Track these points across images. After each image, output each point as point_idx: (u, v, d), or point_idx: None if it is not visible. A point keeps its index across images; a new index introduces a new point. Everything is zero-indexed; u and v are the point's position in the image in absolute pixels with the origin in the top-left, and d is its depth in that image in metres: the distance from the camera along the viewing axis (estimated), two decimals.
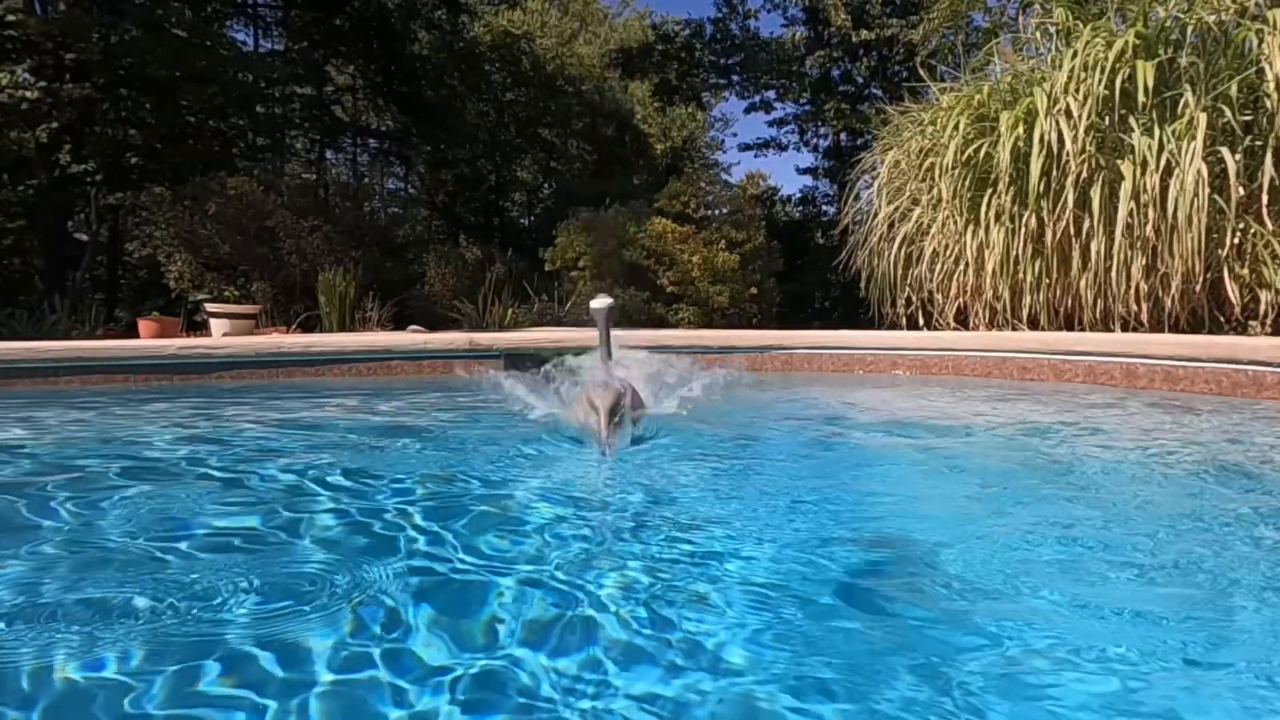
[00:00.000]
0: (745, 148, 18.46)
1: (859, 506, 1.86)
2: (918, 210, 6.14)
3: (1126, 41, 4.85)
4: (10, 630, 1.10)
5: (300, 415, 3.27)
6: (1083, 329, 5.04)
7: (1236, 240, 4.59)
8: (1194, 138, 4.42)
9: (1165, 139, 4.61)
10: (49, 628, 1.10)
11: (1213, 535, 1.57)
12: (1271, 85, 4.37)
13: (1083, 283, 5.00)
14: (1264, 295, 4.46)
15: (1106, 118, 4.98)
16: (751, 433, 2.90)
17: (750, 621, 1.12)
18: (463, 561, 1.38)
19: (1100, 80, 4.85)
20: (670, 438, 2.44)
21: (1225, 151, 4.41)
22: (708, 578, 1.31)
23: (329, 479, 1.99)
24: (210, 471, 2.13)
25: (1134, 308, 4.80)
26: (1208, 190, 4.37)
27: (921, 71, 6.86)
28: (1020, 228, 5.25)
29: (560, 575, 1.30)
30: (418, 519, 1.64)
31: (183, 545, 1.48)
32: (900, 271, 6.20)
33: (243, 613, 1.14)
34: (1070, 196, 4.92)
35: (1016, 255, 5.30)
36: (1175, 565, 1.39)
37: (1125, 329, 4.85)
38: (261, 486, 1.97)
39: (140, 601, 1.18)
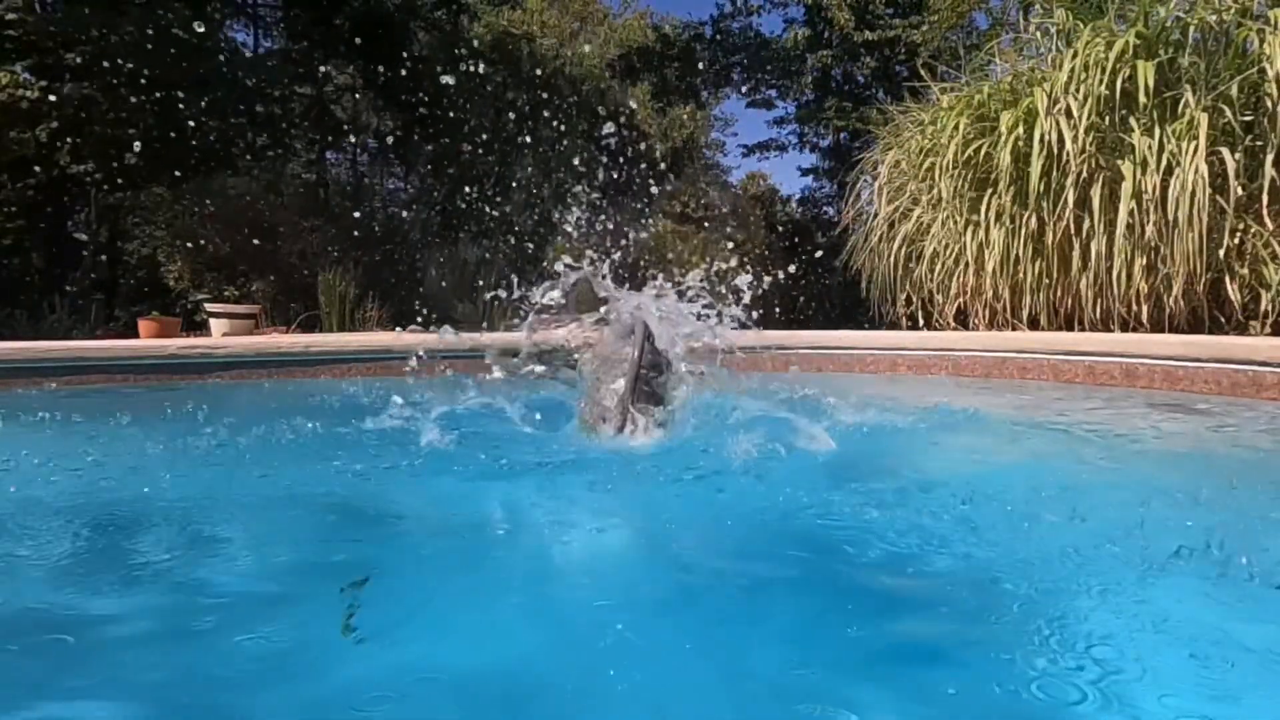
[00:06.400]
0: (747, 151, 18.38)
1: None
2: (918, 210, 6.14)
3: (1127, 41, 4.85)
4: None
5: None
6: (1083, 329, 5.03)
7: (1236, 240, 4.59)
8: (1195, 138, 4.42)
9: (1166, 139, 4.60)
10: None
11: None
12: (1272, 85, 4.36)
13: (1083, 283, 5.00)
14: (1264, 295, 4.46)
15: (1107, 118, 4.98)
16: None
17: None
18: None
19: (1101, 80, 4.85)
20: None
21: (1225, 152, 4.41)
22: None
23: None
24: None
25: (1134, 308, 4.79)
26: (1208, 190, 4.37)
27: (923, 72, 6.86)
28: (1020, 228, 5.24)
29: None
30: None
31: None
32: (900, 271, 6.19)
33: None
34: (1070, 196, 4.92)
35: (1016, 255, 5.29)
36: None
37: (1125, 329, 4.85)
38: None
39: None
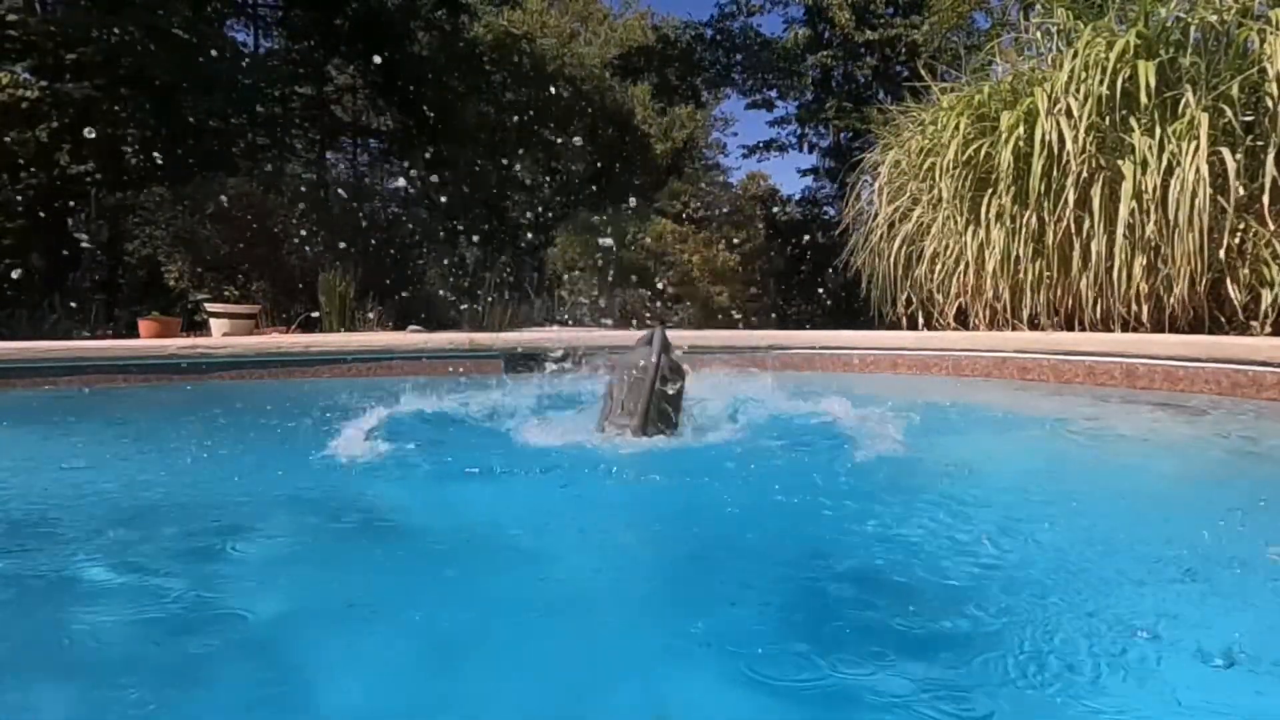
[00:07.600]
0: (747, 152, 18.33)
1: None
2: (918, 210, 6.13)
3: (1127, 41, 4.84)
4: None
5: None
6: (1083, 329, 5.03)
7: (1237, 240, 4.58)
8: (1195, 138, 4.41)
9: (1166, 139, 4.60)
10: None
11: None
12: (1273, 85, 4.35)
13: (1083, 283, 4.99)
14: (1265, 295, 4.45)
15: (1107, 118, 4.97)
16: None
17: None
18: None
19: (1101, 80, 4.84)
20: None
21: (1226, 152, 4.40)
22: None
23: None
24: None
25: (1135, 308, 4.79)
26: (1209, 190, 4.36)
27: (923, 72, 6.85)
28: (1020, 228, 5.24)
29: None
30: None
31: None
32: (900, 271, 6.19)
33: None
34: (1071, 196, 4.91)
35: (1017, 255, 5.28)
36: None
37: (1125, 329, 4.84)
38: None
39: None
